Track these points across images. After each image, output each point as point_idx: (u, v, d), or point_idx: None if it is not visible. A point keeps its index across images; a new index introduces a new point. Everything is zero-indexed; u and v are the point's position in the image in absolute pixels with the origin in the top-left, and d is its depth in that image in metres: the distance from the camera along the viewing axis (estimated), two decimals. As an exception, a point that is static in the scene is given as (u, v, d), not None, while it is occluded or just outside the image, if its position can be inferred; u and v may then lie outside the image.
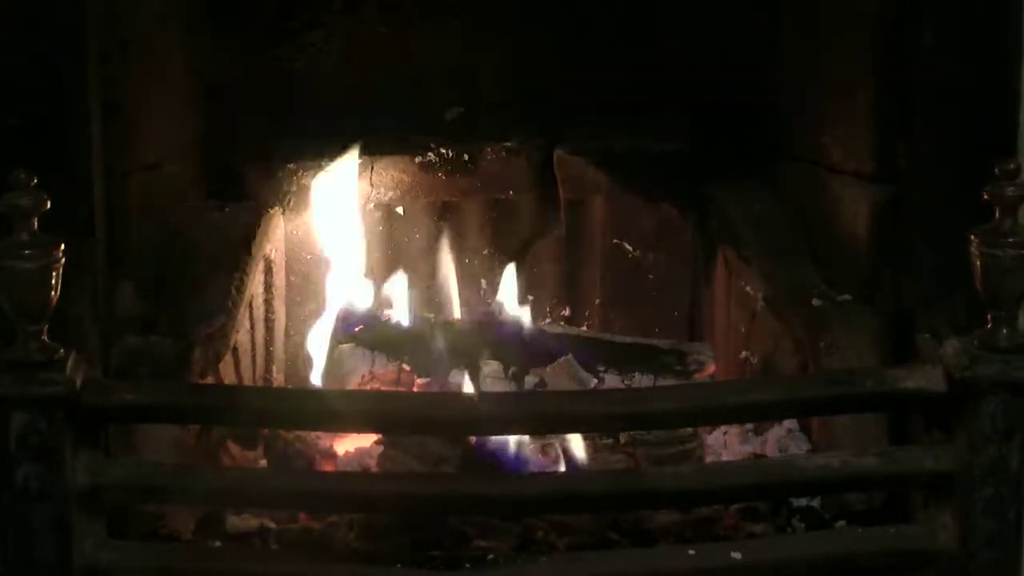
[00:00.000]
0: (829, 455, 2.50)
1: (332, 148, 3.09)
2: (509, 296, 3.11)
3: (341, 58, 3.13)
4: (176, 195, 2.93)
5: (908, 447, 2.53)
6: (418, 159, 3.17)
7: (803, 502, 2.64)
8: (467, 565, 2.42)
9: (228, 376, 2.85)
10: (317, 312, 3.07)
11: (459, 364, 2.97)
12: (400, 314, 3.08)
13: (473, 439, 2.67)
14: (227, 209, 3.05)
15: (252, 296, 2.98)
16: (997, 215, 2.37)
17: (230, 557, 2.50)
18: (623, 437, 2.81)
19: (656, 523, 2.62)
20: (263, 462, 2.79)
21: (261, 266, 3.03)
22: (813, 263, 2.90)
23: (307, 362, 3.02)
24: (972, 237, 2.38)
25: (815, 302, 2.78)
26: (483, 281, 3.19)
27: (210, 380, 2.73)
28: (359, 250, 3.09)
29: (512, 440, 2.68)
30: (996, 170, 2.36)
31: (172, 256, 2.87)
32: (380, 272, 3.14)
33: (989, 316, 2.40)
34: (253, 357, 3.03)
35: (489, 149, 3.19)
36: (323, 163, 3.10)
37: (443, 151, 3.17)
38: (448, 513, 2.55)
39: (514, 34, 3.17)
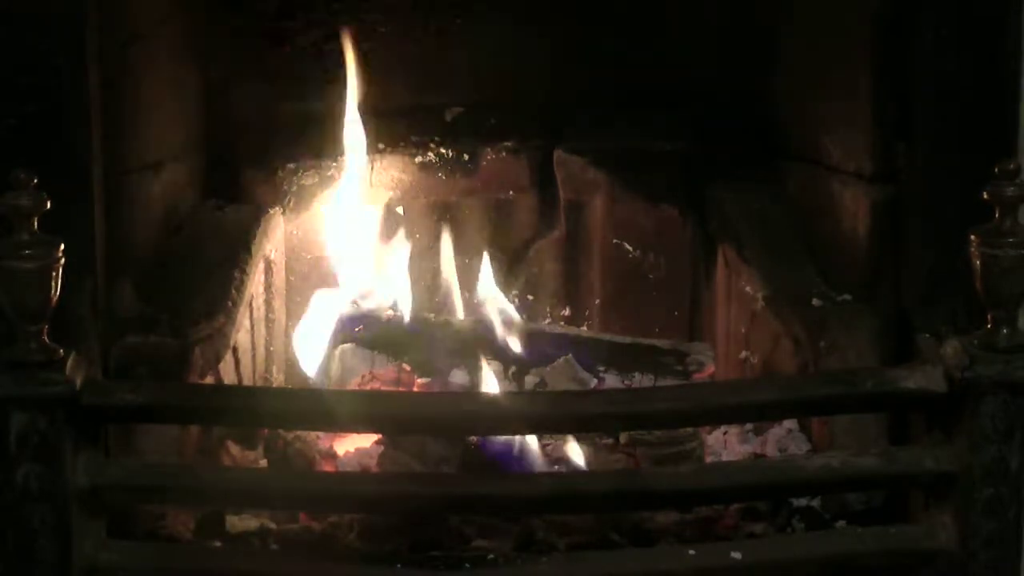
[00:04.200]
0: (829, 455, 2.50)
1: (332, 148, 3.09)
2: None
3: (341, 58, 3.13)
4: (176, 195, 2.94)
5: (908, 447, 2.53)
6: (418, 159, 3.17)
7: (803, 502, 2.64)
8: (467, 565, 2.42)
9: (228, 376, 2.85)
10: (317, 312, 3.07)
11: (459, 364, 2.97)
12: (400, 314, 3.08)
13: (473, 439, 2.67)
14: (227, 209, 3.05)
15: (252, 296, 2.98)
16: (997, 215, 2.37)
17: (230, 557, 2.50)
18: (623, 437, 2.81)
19: (656, 523, 2.62)
20: (263, 462, 2.79)
21: (261, 266, 3.03)
22: (813, 263, 2.90)
23: (304, 362, 3.02)
24: (972, 237, 2.38)
25: (815, 302, 2.78)
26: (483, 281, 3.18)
27: (210, 380, 2.73)
28: (360, 250, 3.09)
29: (512, 440, 2.68)
30: (996, 170, 2.36)
31: (172, 256, 2.87)
32: (381, 272, 3.14)
33: (989, 316, 2.40)
34: (253, 357, 3.03)
35: (489, 149, 3.19)
36: (323, 163, 3.10)
37: (443, 151, 3.17)
38: (448, 513, 2.55)
39: (514, 34, 3.17)
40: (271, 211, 3.08)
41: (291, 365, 3.15)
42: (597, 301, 3.26)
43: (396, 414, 2.47)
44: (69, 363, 2.35)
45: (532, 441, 2.70)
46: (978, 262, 2.38)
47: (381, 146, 3.14)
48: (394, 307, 3.07)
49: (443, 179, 3.18)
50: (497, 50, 3.17)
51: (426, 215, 3.20)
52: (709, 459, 2.83)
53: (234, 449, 2.81)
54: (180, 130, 2.96)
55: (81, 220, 2.46)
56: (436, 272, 3.15)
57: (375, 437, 2.80)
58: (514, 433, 2.63)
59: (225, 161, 3.11)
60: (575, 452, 2.75)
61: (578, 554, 2.53)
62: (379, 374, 2.99)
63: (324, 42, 3.13)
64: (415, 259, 3.16)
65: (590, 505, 2.50)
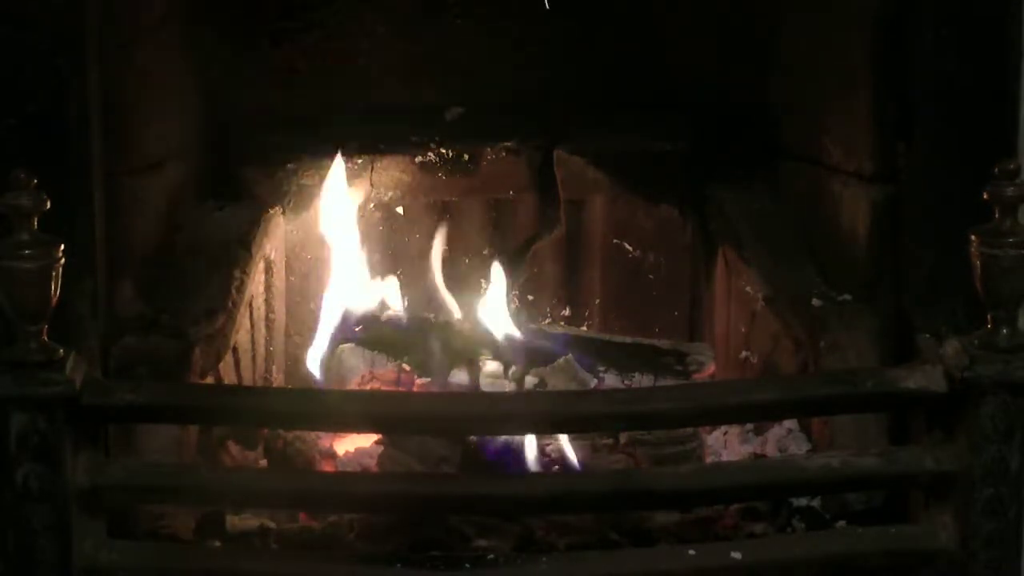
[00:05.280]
0: (829, 455, 2.50)
1: (332, 148, 3.09)
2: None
3: (341, 58, 3.13)
4: (176, 195, 2.94)
5: (908, 447, 2.52)
6: (418, 159, 3.17)
7: (803, 502, 2.64)
8: (467, 565, 2.42)
9: (228, 376, 2.85)
10: (317, 312, 3.07)
11: (459, 364, 2.97)
12: (400, 314, 3.08)
13: (473, 439, 2.67)
14: (227, 209, 3.05)
15: (252, 296, 2.98)
16: (997, 215, 2.37)
17: (230, 557, 2.50)
18: (623, 437, 2.81)
19: (656, 523, 2.62)
20: (263, 462, 2.79)
21: (261, 266, 3.03)
22: (813, 263, 2.90)
23: (307, 362, 3.02)
24: (972, 237, 2.38)
25: (815, 302, 2.78)
26: (483, 281, 3.18)
27: (210, 380, 2.73)
28: (359, 250, 3.09)
29: (512, 440, 2.68)
30: (996, 170, 2.36)
31: (172, 256, 2.87)
32: (380, 272, 3.14)
33: (989, 316, 2.40)
34: (253, 357, 3.03)
35: (489, 149, 3.19)
36: (323, 163, 3.10)
37: (443, 151, 3.17)
38: (448, 513, 2.55)
39: (514, 34, 3.17)
40: (271, 211, 3.09)
41: (291, 365, 3.15)
42: (597, 301, 3.26)
43: (396, 414, 2.47)
44: (69, 363, 2.35)
45: (530, 442, 2.70)
46: (978, 262, 2.38)
47: (381, 146, 3.14)
48: (393, 308, 3.07)
49: (443, 179, 3.18)
50: (497, 50, 3.17)
51: (426, 215, 3.20)
52: (709, 459, 2.84)
53: (234, 449, 2.81)
54: (180, 130, 2.96)
55: (81, 220, 2.46)
56: (436, 272, 3.15)
57: (375, 437, 2.80)
58: (514, 433, 2.63)
59: (225, 161, 3.11)
60: (570, 450, 2.75)
61: (578, 554, 2.53)
62: (379, 374, 2.99)
63: (324, 42, 3.13)
64: (415, 259, 3.17)
65: (590, 505, 2.50)
